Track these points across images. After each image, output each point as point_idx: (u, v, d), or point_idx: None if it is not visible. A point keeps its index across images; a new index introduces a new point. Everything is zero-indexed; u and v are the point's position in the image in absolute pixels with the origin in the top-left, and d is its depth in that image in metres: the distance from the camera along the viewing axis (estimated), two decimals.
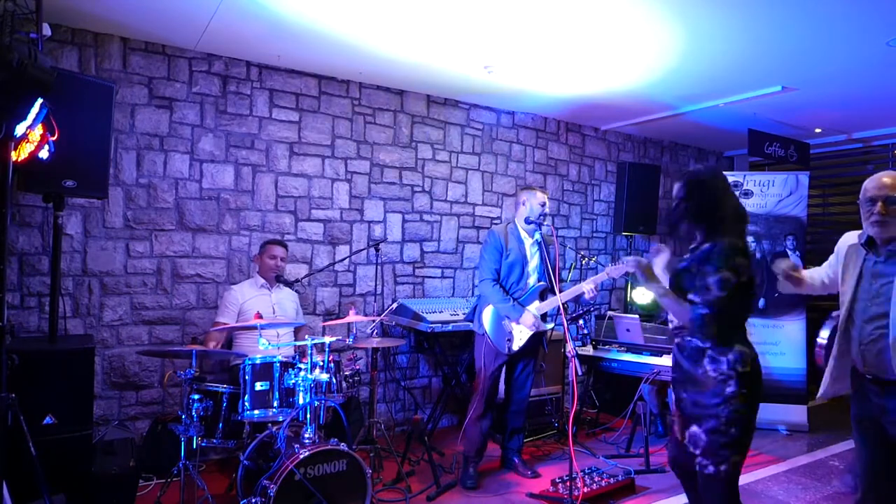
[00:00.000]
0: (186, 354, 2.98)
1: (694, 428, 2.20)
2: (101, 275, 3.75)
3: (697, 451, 2.18)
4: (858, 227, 2.41)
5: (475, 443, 3.69)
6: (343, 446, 2.85)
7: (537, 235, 3.72)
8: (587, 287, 3.50)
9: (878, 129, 5.69)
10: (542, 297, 3.73)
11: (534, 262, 3.75)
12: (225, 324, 3.60)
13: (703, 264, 2.16)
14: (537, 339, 3.76)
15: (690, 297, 2.19)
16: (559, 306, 3.41)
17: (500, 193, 5.36)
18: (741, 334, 2.20)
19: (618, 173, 5.94)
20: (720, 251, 2.13)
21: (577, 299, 3.69)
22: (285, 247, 3.93)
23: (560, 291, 3.67)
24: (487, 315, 3.67)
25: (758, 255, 5.25)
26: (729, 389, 2.11)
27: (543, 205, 3.72)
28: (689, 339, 2.24)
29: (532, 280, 3.73)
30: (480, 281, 3.75)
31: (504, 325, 3.64)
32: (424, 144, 4.98)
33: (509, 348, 3.63)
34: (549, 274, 3.75)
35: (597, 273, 4.24)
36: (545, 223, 3.60)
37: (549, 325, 3.77)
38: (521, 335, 3.65)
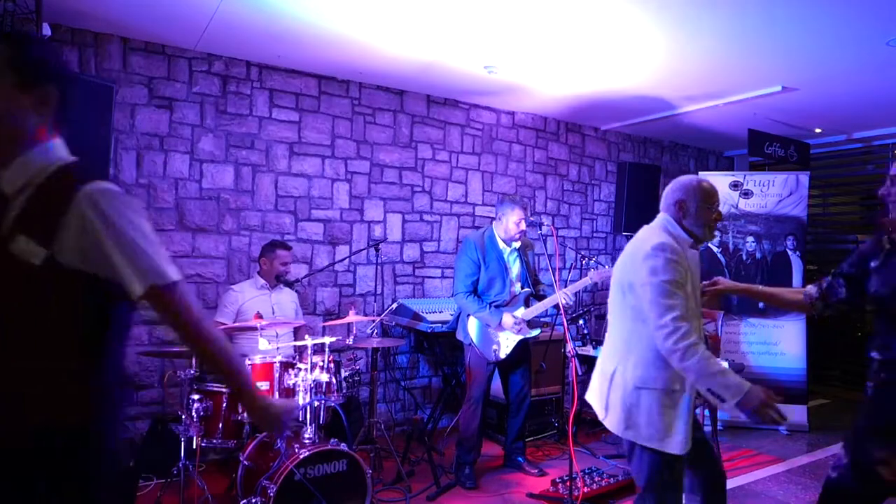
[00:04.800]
0: (186, 354, 2.98)
1: None
2: None
3: None
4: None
5: (471, 447, 3.69)
6: (343, 446, 2.85)
7: (515, 244, 3.70)
8: (568, 291, 3.54)
9: (878, 129, 5.69)
10: (527, 304, 3.73)
11: (515, 270, 3.73)
12: (223, 324, 3.60)
13: None
14: (526, 344, 3.75)
15: None
16: (559, 306, 3.41)
17: (500, 193, 5.35)
18: None
19: (618, 173, 5.94)
20: None
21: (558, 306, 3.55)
22: (290, 249, 3.93)
23: (543, 298, 3.71)
24: (473, 324, 3.66)
25: (758, 255, 5.25)
26: None
27: (519, 223, 3.59)
28: None
29: (516, 288, 3.72)
30: (455, 294, 3.71)
31: (490, 334, 3.64)
32: (424, 144, 4.98)
33: (496, 356, 3.63)
34: (531, 280, 3.77)
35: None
36: (545, 223, 3.59)
37: (536, 332, 3.73)
38: (507, 342, 3.64)
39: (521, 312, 3.66)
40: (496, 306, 3.64)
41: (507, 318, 3.59)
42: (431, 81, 4.61)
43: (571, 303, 3.59)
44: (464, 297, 3.64)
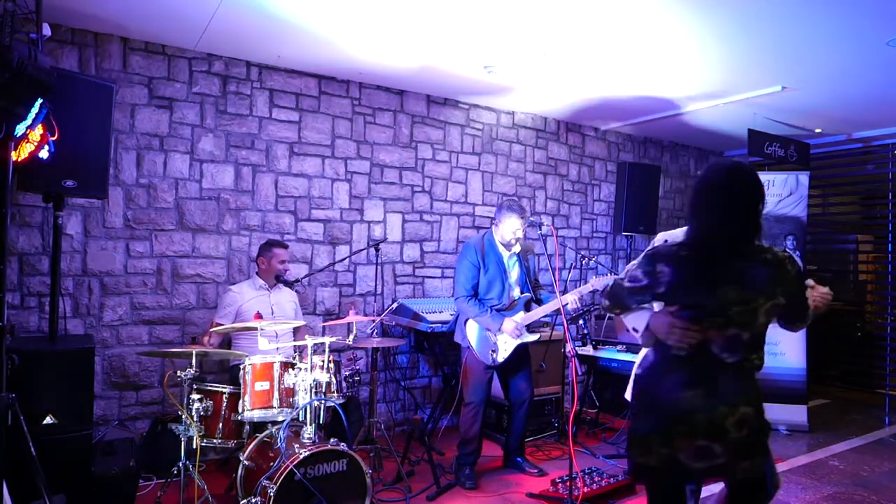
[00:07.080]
0: (186, 354, 2.98)
1: None
2: (101, 275, 3.75)
3: None
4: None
5: (472, 449, 3.69)
6: (343, 446, 2.85)
7: (515, 248, 3.69)
8: (571, 298, 3.52)
9: (878, 129, 5.69)
10: (528, 309, 3.73)
11: (514, 275, 3.73)
12: (222, 325, 3.59)
13: None
14: (525, 348, 3.75)
15: None
16: (559, 307, 3.41)
17: (500, 193, 5.36)
18: None
19: (618, 173, 5.94)
20: None
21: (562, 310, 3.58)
22: (287, 247, 3.93)
23: (541, 303, 3.69)
24: (472, 328, 3.66)
25: None
26: None
27: (515, 231, 3.59)
28: None
29: (516, 293, 3.72)
30: (455, 298, 3.72)
31: (489, 337, 3.63)
32: (424, 144, 4.98)
33: (494, 360, 3.62)
34: (530, 285, 3.77)
35: (596, 273, 4.24)
36: (545, 223, 3.58)
37: (535, 337, 3.72)
38: (505, 346, 3.63)
39: (520, 316, 3.66)
40: (496, 310, 3.64)
41: (508, 323, 3.59)
42: (431, 81, 4.61)
43: (579, 307, 3.59)
44: (465, 300, 3.64)
